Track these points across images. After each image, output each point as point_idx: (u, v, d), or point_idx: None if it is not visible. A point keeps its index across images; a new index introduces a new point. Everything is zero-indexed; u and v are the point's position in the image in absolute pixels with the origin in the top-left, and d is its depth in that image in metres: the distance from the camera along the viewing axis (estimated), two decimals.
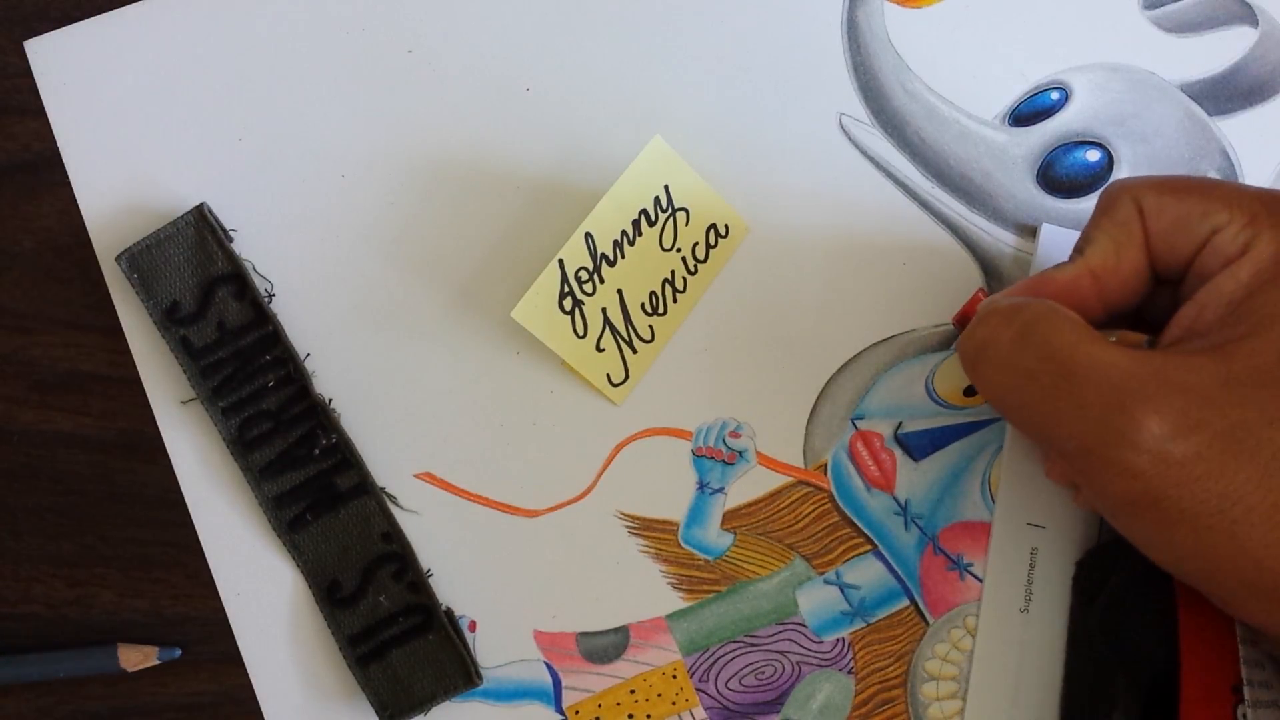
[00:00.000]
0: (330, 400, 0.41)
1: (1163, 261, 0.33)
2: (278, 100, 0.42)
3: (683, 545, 0.41)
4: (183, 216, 0.40)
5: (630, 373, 0.41)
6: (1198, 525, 0.29)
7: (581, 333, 0.40)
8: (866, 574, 0.41)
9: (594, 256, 0.40)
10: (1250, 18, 0.42)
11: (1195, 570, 0.31)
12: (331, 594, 0.40)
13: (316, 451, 0.40)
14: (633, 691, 0.41)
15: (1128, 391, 0.29)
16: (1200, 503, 0.29)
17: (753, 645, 0.41)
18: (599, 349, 0.40)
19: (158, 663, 0.41)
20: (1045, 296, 0.33)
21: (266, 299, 0.41)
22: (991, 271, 0.41)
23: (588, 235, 0.39)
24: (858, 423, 0.41)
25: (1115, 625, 0.36)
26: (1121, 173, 0.41)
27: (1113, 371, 0.30)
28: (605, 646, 0.41)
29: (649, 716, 0.40)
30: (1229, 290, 0.31)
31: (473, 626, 0.41)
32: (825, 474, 0.41)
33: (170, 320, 0.40)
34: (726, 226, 0.41)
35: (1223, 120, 0.41)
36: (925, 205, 0.42)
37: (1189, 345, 0.31)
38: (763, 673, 0.40)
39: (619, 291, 0.40)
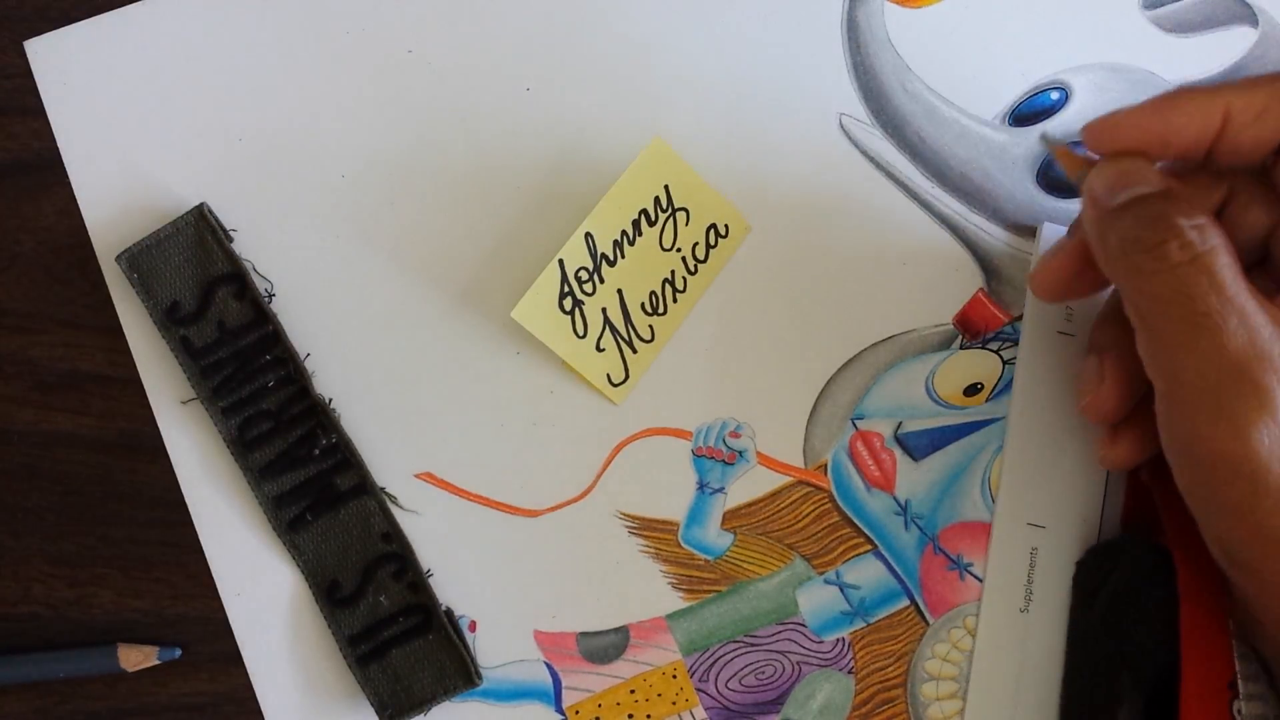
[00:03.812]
0: (330, 400, 0.41)
1: None
2: (278, 100, 0.42)
3: (683, 545, 0.41)
4: (183, 216, 0.40)
5: (630, 373, 0.41)
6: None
7: (581, 333, 0.40)
8: (866, 574, 0.41)
9: (594, 256, 0.40)
10: (1250, 18, 0.42)
11: (1242, 553, 0.31)
12: (331, 594, 0.40)
13: (316, 451, 0.40)
14: (633, 691, 0.41)
15: (1268, 357, 0.29)
16: None
17: (753, 645, 0.41)
18: (599, 349, 0.40)
19: (158, 663, 0.41)
20: (1158, 124, 0.32)
21: (266, 299, 0.41)
22: (991, 271, 0.41)
23: (588, 235, 0.39)
24: (858, 423, 0.41)
25: (1117, 622, 0.36)
26: None
27: (1264, 327, 0.29)
28: (605, 646, 0.41)
29: (649, 716, 0.40)
30: None
31: (473, 626, 0.41)
32: (825, 474, 0.41)
33: (170, 320, 0.40)
34: (726, 226, 0.41)
35: None
36: (925, 205, 0.42)
37: None
38: (763, 673, 0.40)
39: (619, 291, 0.40)
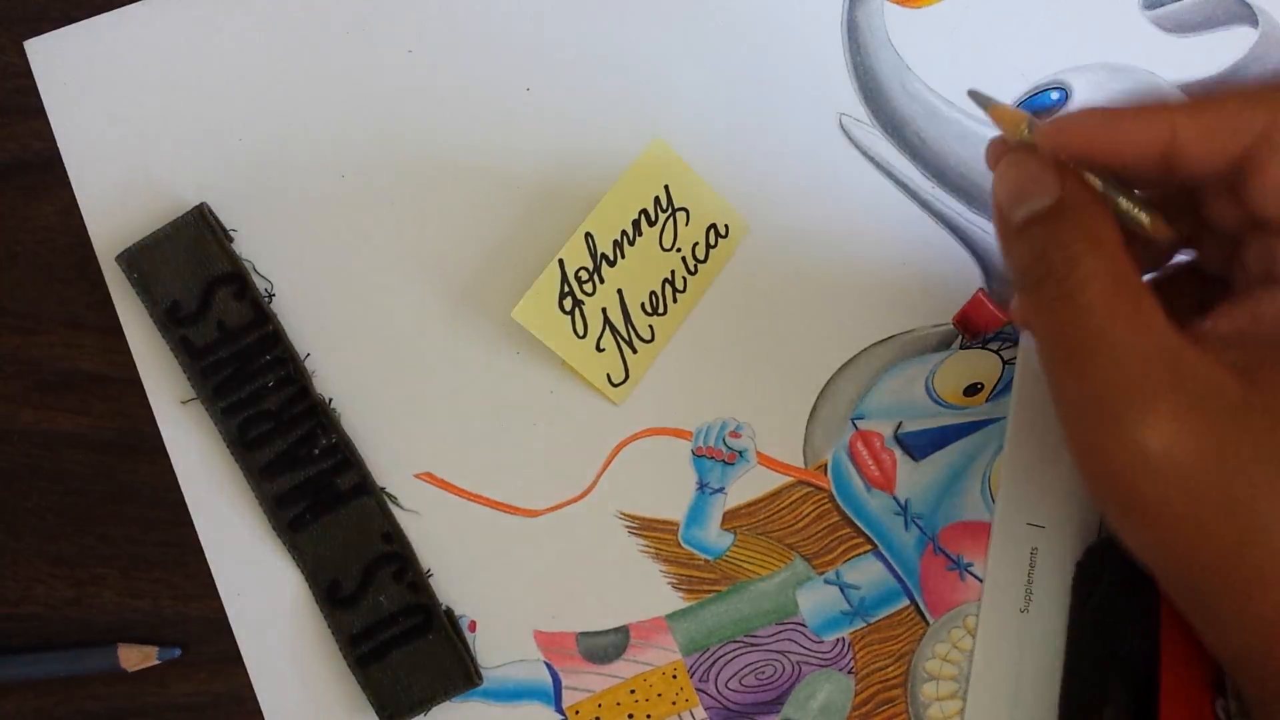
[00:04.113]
0: (330, 400, 0.41)
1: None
2: (278, 100, 0.42)
3: (683, 545, 0.41)
4: (183, 216, 0.40)
5: (630, 373, 0.41)
6: (1160, 525, 0.29)
7: (581, 333, 0.40)
8: (866, 574, 0.41)
9: (594, 256, 0.40)
10: (1250, 18, 0.42)
11: (1143, 555, 0.31)
12: (331, 594, 0.40)
13: (316, 451, 0.40)
14: (633, 691, 0.41)
15: (1140, 387, 0.29)
16: (1166, 505, 0.29)
17: (753, 645, 0.41)
18: (599, 349, 0.40)
19: (158, 663, 0.41)
20: (1106, 135, 0.32)
21: (266, 299, 0.41)
22: (991, 271, 0.41)
23: (588, 235, 0.39)
24: (858, 423, 0.41)
25: (1109, 622, 0.37)
26: None
27: (1132, 359, 0.30)
28: (605, 646, 0.41)
29: (649, 716, 0.40)
30: None
31: (473, 626, 0.41)
32: (825, 474, 0.41)
33: (170, 320, 0.40)
34: (726, 226, 0.41)
35: None
36: (925, 205, 0.42)
37: (1225, 354, 0.31)
38: (763, 673, 0.40)
39: (619, 291, 0.40)
